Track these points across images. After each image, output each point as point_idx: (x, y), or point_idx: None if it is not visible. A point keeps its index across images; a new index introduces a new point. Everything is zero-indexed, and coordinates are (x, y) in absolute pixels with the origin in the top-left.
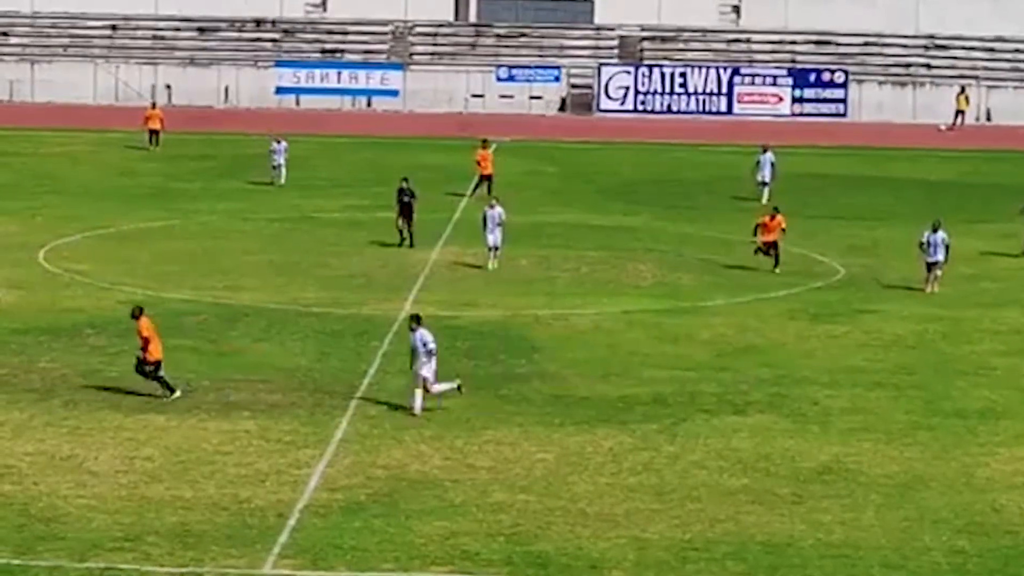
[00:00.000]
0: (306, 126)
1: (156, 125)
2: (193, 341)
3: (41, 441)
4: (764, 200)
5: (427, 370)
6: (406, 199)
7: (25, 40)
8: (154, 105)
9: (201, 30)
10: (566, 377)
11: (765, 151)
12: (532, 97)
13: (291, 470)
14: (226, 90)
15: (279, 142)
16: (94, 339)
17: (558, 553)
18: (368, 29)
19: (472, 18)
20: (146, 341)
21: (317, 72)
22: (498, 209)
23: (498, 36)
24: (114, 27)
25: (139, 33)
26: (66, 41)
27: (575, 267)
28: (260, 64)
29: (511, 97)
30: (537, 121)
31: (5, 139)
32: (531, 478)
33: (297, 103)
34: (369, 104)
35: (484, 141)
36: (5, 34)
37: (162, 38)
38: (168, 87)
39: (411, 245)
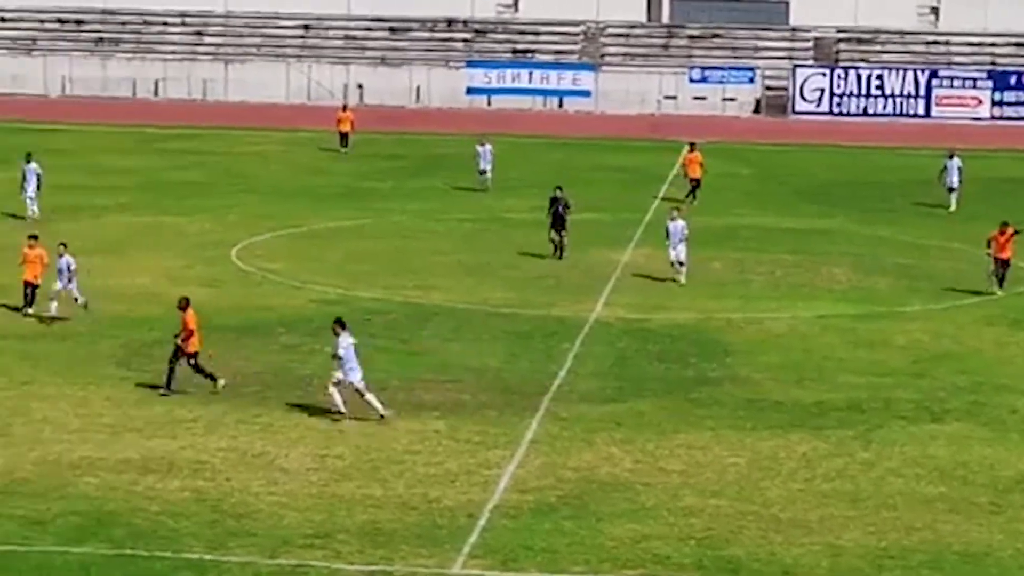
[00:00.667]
0: (497, 126)
1: (347, 128)
2: (383, 340)
3: (233, 438)
4: (952, 207)
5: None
6: (560, 208)
7: (219, 40)
8: (345, 107)
9: (393, 30)
10: (759, 381)
11: (952, 156)
12: (725, 99)
13: (481, 470)
14: (417, 90)
15: (483, 144)
16: (286, 337)
17: (750, 558)
18: (560, 29)
19: (665, 19)
20: (190, 333)
21: (508, 72)
22: (680, 222)
23: (691, 37)
24: (307, 27)
25: (331, 33)
26: (259, 41)
27: (769, 270)
28: (451, 64)
29: (704, 99)
30: (731, 123)
31: (199, 138)
32: (723, 482)
33: (488, 103)
34: (560, 105)
35: (691, 145)
36: (199, 33)
37: (354, 38)
38: (360, 87)
39: (560, 256)
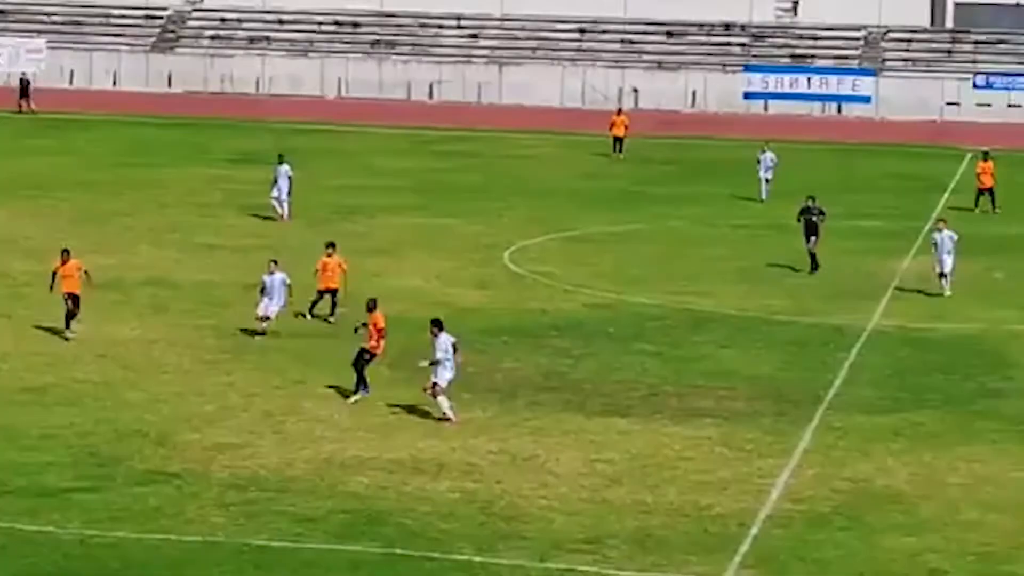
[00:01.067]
0: (774, 131)
1: (620, 132)
2: (656, 346)
3: (504, 440)
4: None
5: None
6: (812, 218)
7: (494, 43)
8: (619, 111)
9: (670, 34)
10: None
11: None
12: (1011, 105)
13: (753, 479)
14: (693, 94)
15: (764, 151)
16: (558, 341)
17: None
18: (840, 34)
19: (949, 24)
20: (381, 333)
21: (786, 77)
22: (947, 232)
23: (976, 42)
24: (582, 30)
25: (607, 36)
26: (534, 44)
27: None
28: (728, 68)
29: (988, 105)
30: (1016, 130)
31: (473, 140)
32: (1004, 497)
33: (765, 108)
34: (839, 110)
35: (985, 154)
36: (475, 36)
37: (630, 41)
38: (635, 91)
39: (814, 268)
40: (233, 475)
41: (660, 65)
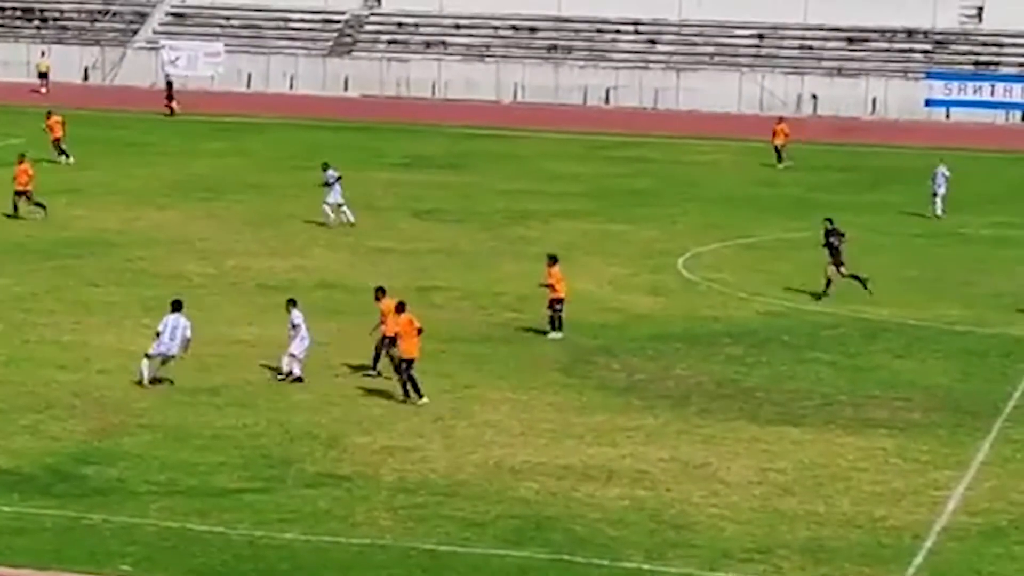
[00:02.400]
0: (956, 140)
1: (780, 140)
2: (831, 355)
3: (675, 448)
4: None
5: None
6: (834, 241)
7: (671, 48)
8: (780, 119)
9: (850, 40)
10: None
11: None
12: None
13: (928, 491)
14: (873, 101)
15: (940, 166)
16: (731, 348)
17: None
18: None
19: None
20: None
21: (970, 84)
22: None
23: None
24: (761, 36)
25: (786, 42)
26: (712, 50)
27: None
28: (910, 75)
29: None
30: None
31: (649, 146)
32: None
33: (947, 116)
34: (1023, 118)
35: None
36: (652, 42)
37: (809, 47)
38: (814, 97)
39: (864, 286)
40: (402, 478)
41: (840, 71)
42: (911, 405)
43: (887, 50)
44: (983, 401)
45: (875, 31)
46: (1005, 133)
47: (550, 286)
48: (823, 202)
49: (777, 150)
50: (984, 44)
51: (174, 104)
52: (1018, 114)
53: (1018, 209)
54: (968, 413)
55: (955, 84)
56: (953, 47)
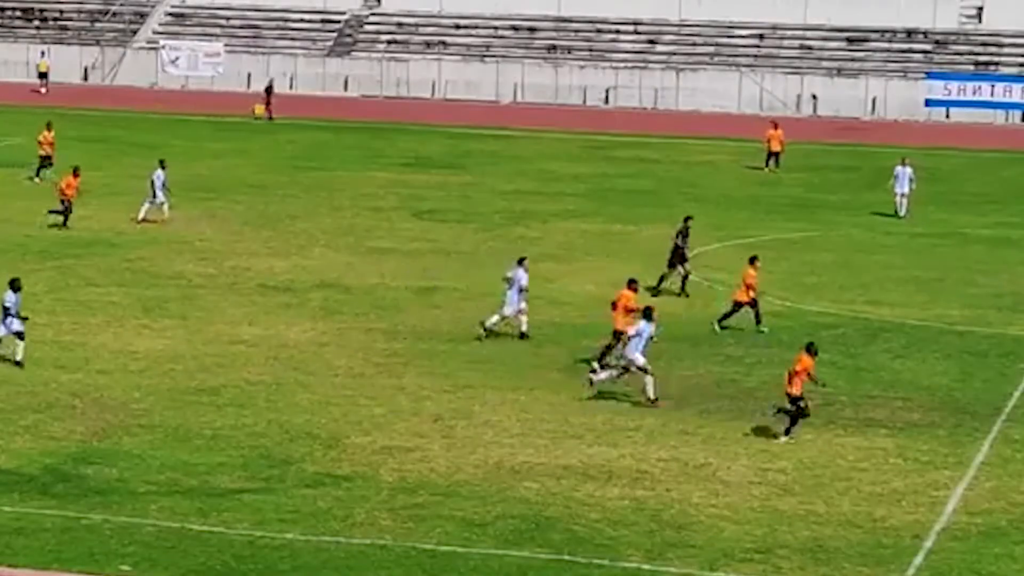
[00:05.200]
0: (956, 140)
1: (777, 147)
2: (831, 355)
3: (675, 448)
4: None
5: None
6: (679, 240)
7: (672, 48)
8: (776, 125)
9: (850, 40)
10: None
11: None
12: None
13: (928, 491)
14: (873, 101)
15: (903, 165)
16: (731, 349)
17: None
18: None
19: None
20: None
21: (969, 85)
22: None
23: None
24: (761, 36)
25: (786, 43)
26: (712, 50)
27: None
28: (910, 75)
29: None
30: None
31: (648, 146)
32: None
33: (947, 116)
34: (1023, 119)
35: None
36: (652, 42)
37: (809, 48)
38: (814, 97)
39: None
40: (402, 478)
41: (840, 71)
42: (911, 405)
43: (887, 50)
44: (983, 401)
45: (875, 31)
46: (1005, 133)
47: (749, 286)
48: (823, 202)
49: (772, 155)
50: (984, 44)
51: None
52: (1018, 114)
53: (1018, 209)
54: (968, 413)
55: (955, 84)
56: (953, 47)
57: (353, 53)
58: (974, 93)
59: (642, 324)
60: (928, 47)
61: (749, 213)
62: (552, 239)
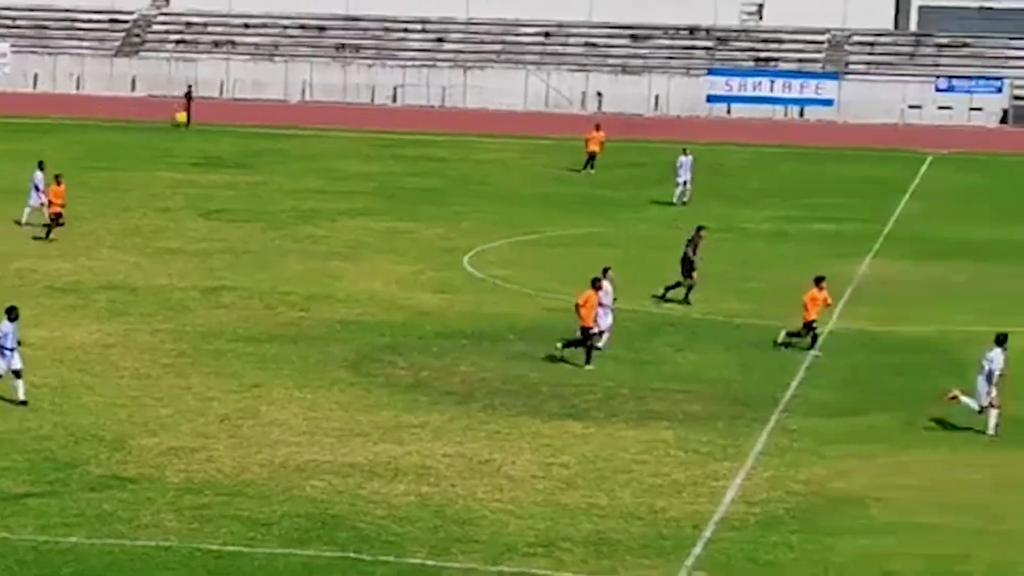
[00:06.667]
0: (737, 135)
1: (595, 148)
2: (614, 349)
3: (460, 444)
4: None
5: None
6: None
7: (459, 46)
8: (598, 127)
9: (634, 37)
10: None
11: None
12: (972, 109)
13: (708, 482)
14: (656, 98)
15: (685, 155)
16: (515, 345)
17: None
18: (803, 38)
19: (912, 27)
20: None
21: (750, 81)
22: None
23: (938, 46)
24: (547, 34)
25: (572, 40)
26: (499, 48)
27: (1014, 284)
28: (692, 72)
29: (950, 108)
30: (976, 133)
31: (437, 144)
32: (960, 500)
33: (728, 111)
34: (802, 114)
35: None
36: (440, 40)
37: (594, 45)
38: (599, 94)
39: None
40: (188, 479)
41: (624, 69)
42: (691, 397)
43: (669, 47)
44: (761, 393)
45: (658, 28)
46: (784, 128)
47: (815, 306)
48: (610, 198)
49: (592, 156)
50: (764, 41)
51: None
52: (796, 109)
53: (795, 204)
54: (747, 405)
55: (736, 80)
56: (734, 44)
57: (141, 53)
58: (754, 89)
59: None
60: (710, 44)
61: (536, 210)
62: (340, 237)
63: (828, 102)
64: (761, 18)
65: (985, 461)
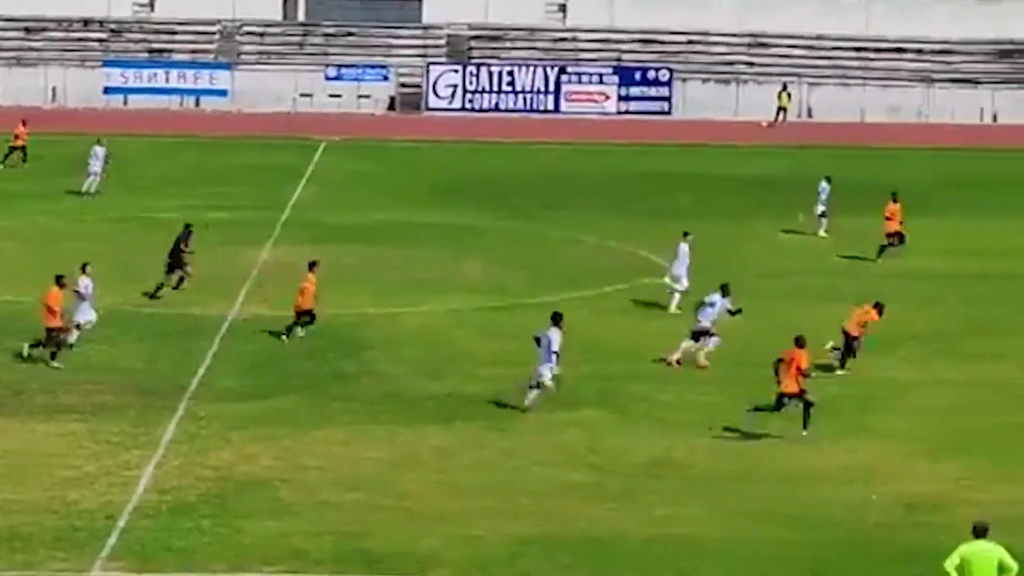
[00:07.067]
0: (135, 126)
1: (22, 143)
2: (22, 342)
3: None
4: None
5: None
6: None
7: None
8: (24, 123)
9: (28, 29)
10: (396, 376)
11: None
12: (361, 96)
13: (120, 472)
14: (53, 90)
15: (100, 145)
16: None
17: (387, 551)
18: (196, 28)
19: (300, 17)
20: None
21: (145, 72)
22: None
23: (326, 35)
24: None
25: None
26: None
27: (403, 266)
28: (88, 64)
29: (340, 96)
30: (366, 120)
31: None
32: (361, 477)
33: (125, 103)
34: (197, 104)
35: (894, 195)
36: None
37: None
38: None
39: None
40: None
41: (19, 61)
42: (102, 388)
43: (64, 39)
44: (170, 381)
45: (52, 20)
46: (181, 118)
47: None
48: (13, 192)
49: (16, 150)
50: (158, 32)
51: None
52: (192, 99)
53: (197, 192)
54: (156, 393)
55: (131, 72)
56: (128, 36)
57: None
58: (150, 80)
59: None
60: (104, 35)
61: None
62: None
63: (223, 92)
64: (153, 10)
65: (384, 440)
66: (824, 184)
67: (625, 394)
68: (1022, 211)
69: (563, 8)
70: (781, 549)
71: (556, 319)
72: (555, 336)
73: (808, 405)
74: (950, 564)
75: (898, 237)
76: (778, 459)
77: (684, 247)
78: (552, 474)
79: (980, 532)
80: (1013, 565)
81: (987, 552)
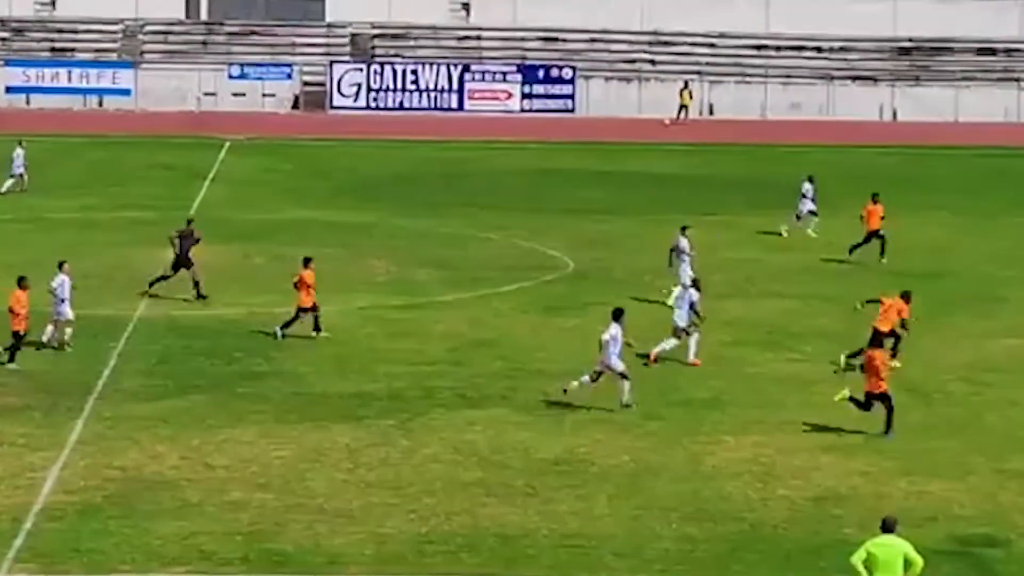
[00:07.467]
0: (38, 126)
1: None
2: None
3: None
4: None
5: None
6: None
7: None
8: None
9: None
10: (303, 375)
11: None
12: (265, 95)
13: (26, 473)
14: None
15: (22, 146)
16: None
17: (296, 550)
18: (98, 27)
19: (203, 16)
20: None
21: (47, 71)
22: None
23: (230, 34)
24: None
25: None
26: None
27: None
28: None
29: (243, 95)
30: (270, 119)
31: None
32: (269, 476)
33: (27, 102)
34: (101, 103)
35: (874, 196)
36: None
37: None
38: None
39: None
40: None
41: None
42: (7, 390)
43: None
44: (76, 381)
45: None
46: (85, 118)
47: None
48: None
49: None
50: (60, 31)
51: None
52: (95, 99)
53: (102, 192)
54: (62, 394)
55: (33, 71)
56: (29, 35)
57: None
58: (52, 79)
59: (614, 327)
60: (6, 34)
61: None
62: None
63: (126, 91)
64: (55, 8)
65: (291, 439)
66: (807, 185)
67: (530, 391)
68: (924, 208)
69: (466, 7)
70: (686, 544)
71: (617, 315)
72: (617, 332)
73: (891, 409)
74: (857, 558)
75: (877, 236)
76: (678, 454)
77: (684, 241)
78: (457, 472)
79: (888, 527)
80: (918, 559)
81: (893, 547)
